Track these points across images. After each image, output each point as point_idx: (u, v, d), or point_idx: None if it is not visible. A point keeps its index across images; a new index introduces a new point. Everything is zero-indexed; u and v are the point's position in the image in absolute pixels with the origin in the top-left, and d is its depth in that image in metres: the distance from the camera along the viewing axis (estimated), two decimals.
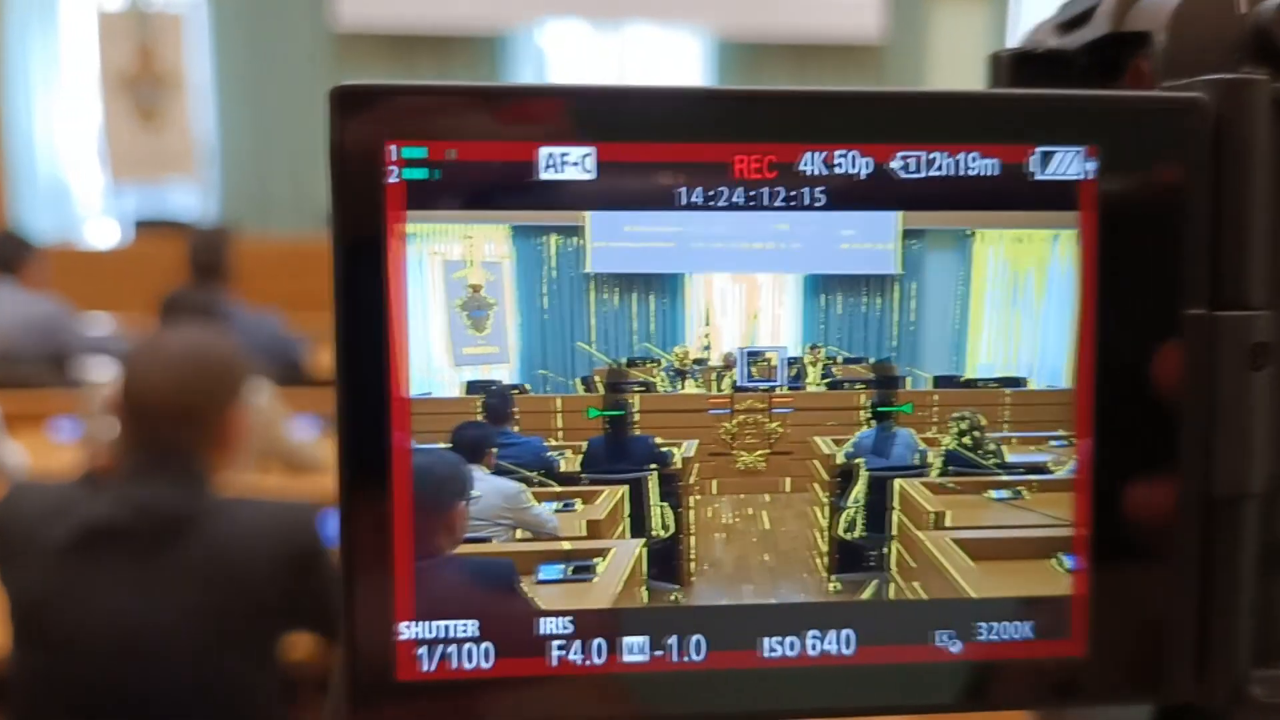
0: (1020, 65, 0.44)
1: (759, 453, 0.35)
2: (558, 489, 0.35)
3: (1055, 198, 0.35)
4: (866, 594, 0.35)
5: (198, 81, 7.58)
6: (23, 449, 2.58)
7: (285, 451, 2.51)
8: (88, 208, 8.09)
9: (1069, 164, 0.35)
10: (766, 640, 0.35)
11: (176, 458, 1.46)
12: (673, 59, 8.69)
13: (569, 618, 0.35)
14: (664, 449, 0.35)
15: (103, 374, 2.54)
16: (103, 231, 7.97)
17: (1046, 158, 0.35)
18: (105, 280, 5.60)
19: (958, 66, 8.69)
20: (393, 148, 0.33)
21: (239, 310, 3.41)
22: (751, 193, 0.34)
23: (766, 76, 8.57)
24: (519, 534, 0.35)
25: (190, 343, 1.52)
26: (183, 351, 1.48)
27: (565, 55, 8.63)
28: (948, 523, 0.35)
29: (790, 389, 0.35)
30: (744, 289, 0.35)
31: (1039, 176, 0.35)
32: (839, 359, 0.35)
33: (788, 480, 0.35)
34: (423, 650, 0.34)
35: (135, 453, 1.46)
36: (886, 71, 8.60)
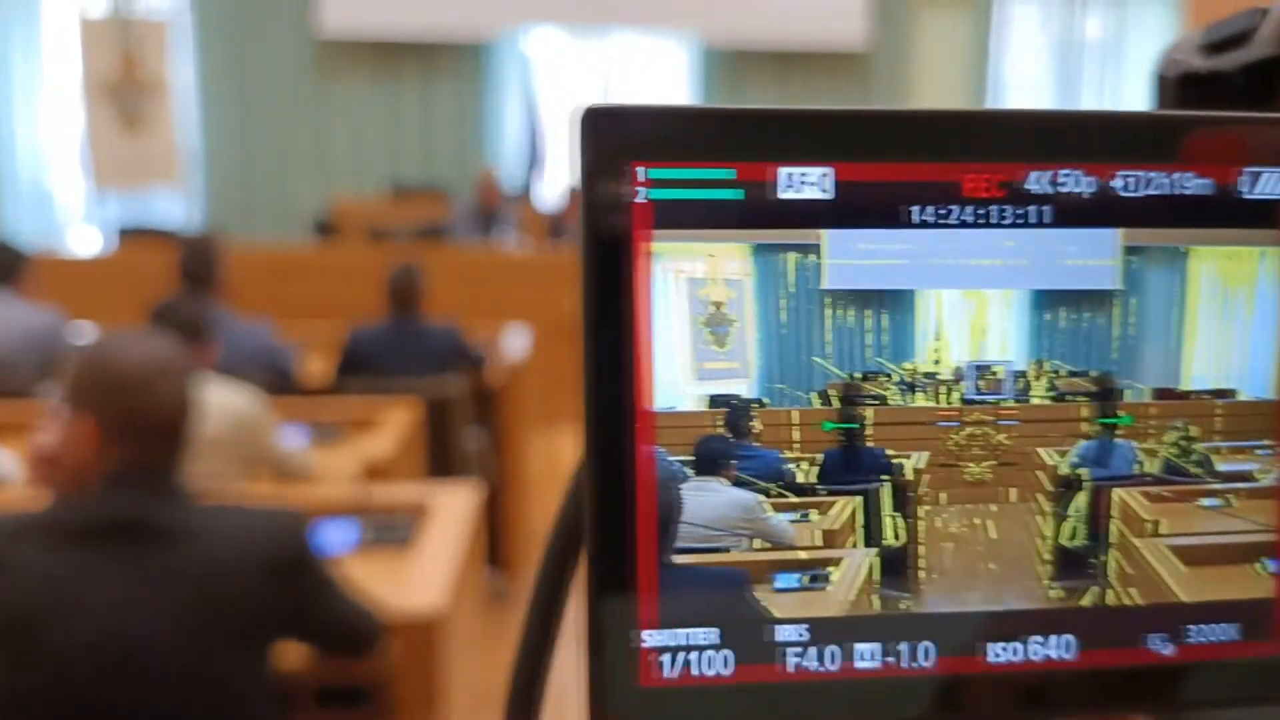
0: (1183, 86, 0.45)
1: (986, 464, 0.36)
2: (794, 500, 0.36)
3: (1262, 216, 0.36)
4: (1086, 600, 0.36)
5: (181, 88, 7.53)
6: (16, 457, 2.55)
7: (275, 460, 2.51)
8: (71, 215, 8.01)
9: (1275, 184, 0.36)
10: (992, 646, 0.36)
11: (156, 468, 1.44)
12: (658, 66, 8.71)
13: (804, 625, 0.35)
14: (895, 460, 0.36)
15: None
16: (86, 239, 7.89)
17: (1255, 178, 0.36)
18: (89, 288, 5.54)
19: (941, 74, 8.78)
20: (639, 169, 0.34)
21: (229, 318, 3.40)
22: (980, 211, 0.35)
23: (751, 84, 8.61)
24: (756, 544, 0.36)
25: (160, 355, 1.47)
26: (160, 365, 1.45)
27: (550, 63, 8.64)
28: (1162, 530, 0.36)
29: (1016, 402, 0.36)
30: (972, 304, 0.36)
31: (1248, 195, 0.36)
32: (1062, 372, 0.36)
33: (1013, 491, 0.36)
34: (665, 657, 0.35)
35: (115, 464, 1.43)
36: (871, 79, 8.67)
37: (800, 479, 0.36)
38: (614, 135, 0.34)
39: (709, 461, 0.35)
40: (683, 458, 0.35)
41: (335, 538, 2.15)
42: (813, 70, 8.65)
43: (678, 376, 0.35)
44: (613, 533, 0.35)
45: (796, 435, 0.36)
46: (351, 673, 1.72)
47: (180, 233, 6.28)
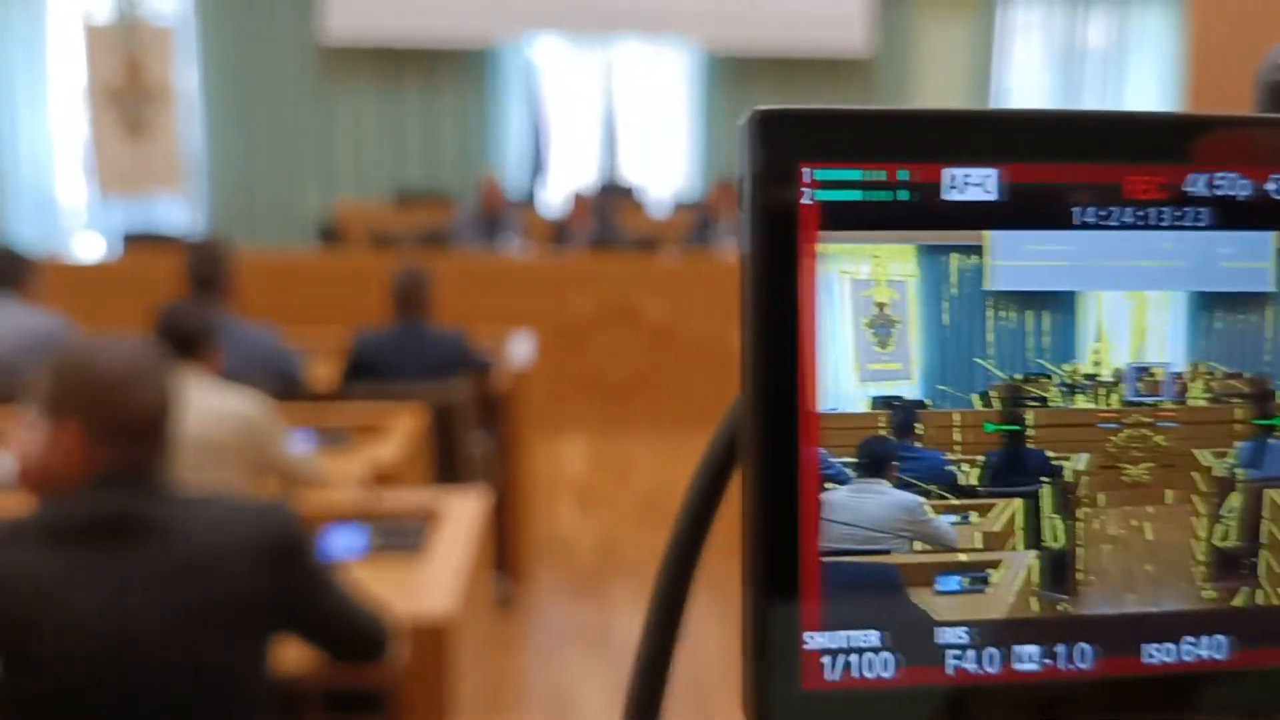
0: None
1: (1144, 466, 0.36)
2: (956, 502, 0.36)
3: None
4: (1239, 600, 0.37)
5: (185, 94, 7.53)
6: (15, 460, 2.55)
7: (283, 466, 2.47)
8: (74, 221, 8.00)
9: None
10: (1147, 647, 0.36)
11: (141, 467, 1.44)
12: (661, 72, 8.74)
13: (966, 627, 0.36)
14: (1056, 462, 0.36)
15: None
16: (89, 245, 7.88)
17: None
18: (93, 293, 5.53)
19: (943, 80, 8.82)
20: (807, 170, 0.35)
21: (236, 324, 3.38)
22: (1140, 212, 0.36)
23: (754, 89, 8.64)
24: (918, 546, 0.36)
25: (137, 356, 1.47)
26: (138, 366, 1.46)
27: (553, 69, 8.65)
28: None
29: (1174, 404, 0.37)
30: (1132, 306, 0.36)
31: None
32: (1218, 374, 0.37)
33: (1170, 492, 0.37)
34: (827, 659, 0.35)
35: (101, 466, 1.43)
36: (874, 85, 8.71)
37: (962, 481, 0.36)
38: (782, 137, 0.35)
39: (872, 463, 0.35)
40: (846, 459, 0.35)
41: (344, 544, 2.15)
42: (815, 76, 8.68)
43: (842, 378, 0.35)
44: (776, 535, 0.35)
45: (959, 437, 0.36)
46: (360, 678, 1.72)
47: (186, 237, 6.27)
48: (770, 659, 0.35)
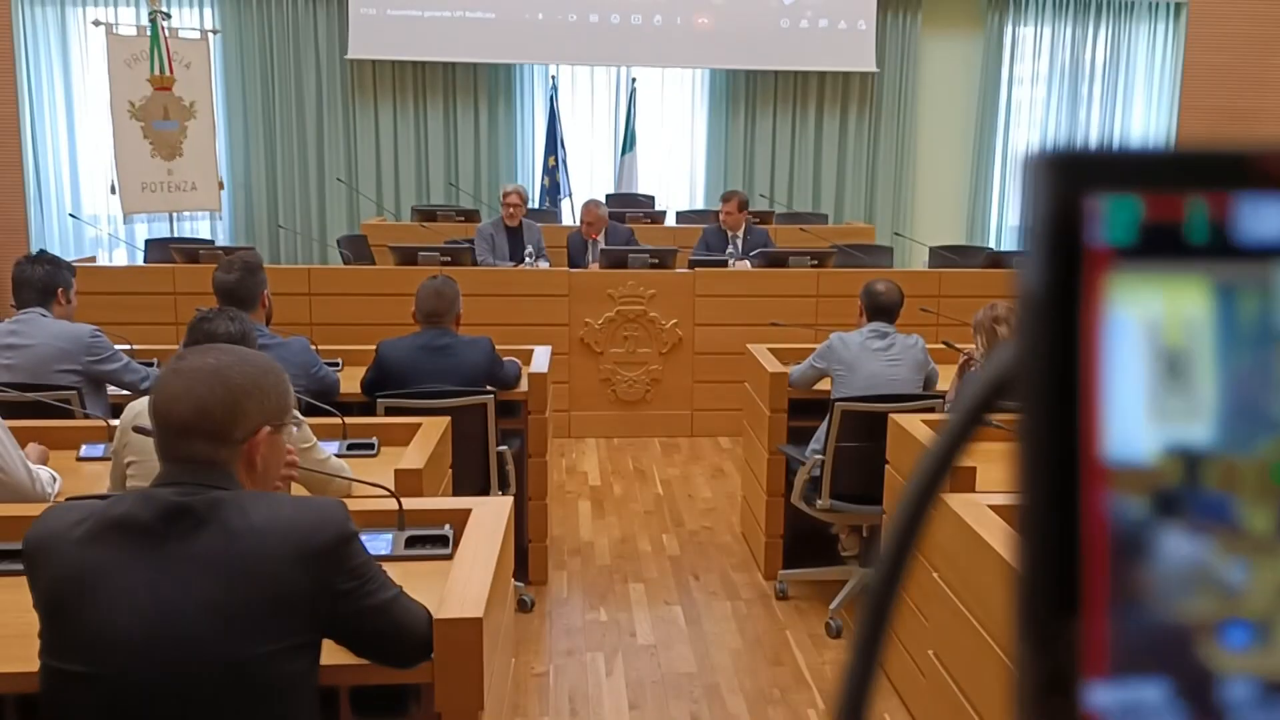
0: None
1: None
2: (1247, 549, 0.35)
3: None
4: None
5: (212, 110, 7.70)
6: (56, 473, 2.64)
7: (314, 478, 2.50)
8: (103, 234, 8.17)
9: None
10: None
11: (194, 465, 1.48)
12: (674, 86, 8.85)
13: (1255, 681, 0.34)
14: None
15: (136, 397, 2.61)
16: (118, 257, 8.04)
17: None
18: (121, 306, 5.67)
19: (949, 95, 8.91)
20: (1094, 207, 0.34)
21: (268, 334, 3.42)
22: None
23: (764, 102, 8.75)
24: (1207, 595, 0.35)
25: (218, 363, 1.53)
26: (205, 370, 1.50)
27: (571, 84, 8.78)
28: None
29: None
30: None
31: None
32: None
33: None
34: (1112, 711, 0.34)
35: (161, 460, 1.51)
36: (881, 99, 8.81)
37: (1253, 527, 0.35)
38: (1072, 174, 0.34)
39: (1160, 509, 0.34)
40: (1133, 506, 0.34)
41: (373, 549, 2.21)
42: (823, 91, 8.78)
43: (1129, 422, 0.34)
44: (1060, 583, 0.34)
45: (1252, 482, 0.35)
46: (389, 678, 1.71)
47: (213, 246, 6.41)
48: (1049, 710, 0.34)
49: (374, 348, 3.77)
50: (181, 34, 7.70)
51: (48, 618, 1.47)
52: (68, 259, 4.01)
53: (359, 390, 3.74)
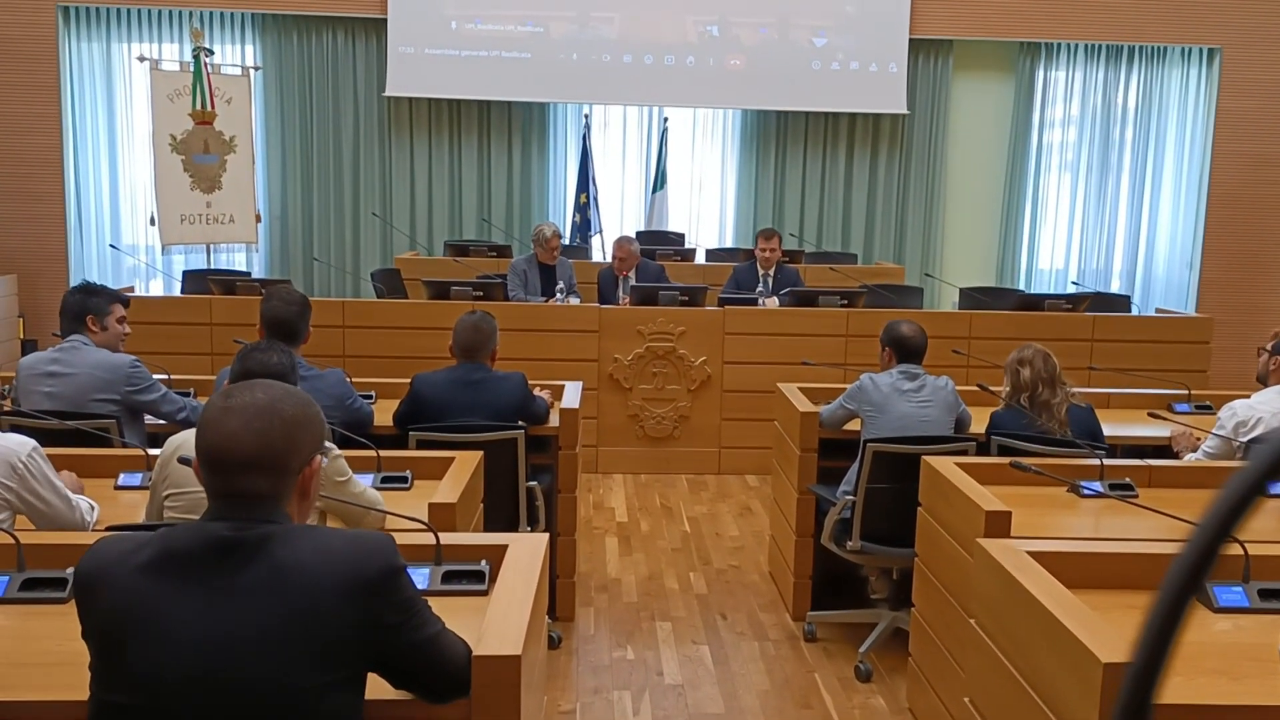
0: None
1: None
2: None
3: None
4: None
5: (251, 144, 7.83)
6: (94, 501, 2.66)
7: (351, 511, 2.52)
8: (141, 264, 8.30)
9: None
10: None
11: (249, 501, 1.49)
12: (706, 126, 8.92)
13: None
14: None
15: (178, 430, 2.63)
16: (154, 288, 8.15)
17: None
18: (158, 336, 5.75)
19: (980, 135, 8.93)
20: None
21: (305, 367, 3.45)
22: None
23: (796, 143, 8.79)
24: None
25: (269, 397, 1.54)
26: (260, 405, 1.51)
27: (604, 123, 8.87)
28: None
29: None
30: None
31: None
32: None
33: None
34: None
35: (212, 497, 1.51)
36: (913, 140, 8.83)
37: None
38: None
39: None
40: None
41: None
42: (853, 132, 8.82)
43: None
44: None
45: None
46: (426, 715, 1.67)
47: (253, 279, 6.48)
48: None
49: (407, 381, 3.81)
50: (224, 70, 7.85)
51: (100, 649, 1.47)
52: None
53: (391, 423, 3.77)
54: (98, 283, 4.03)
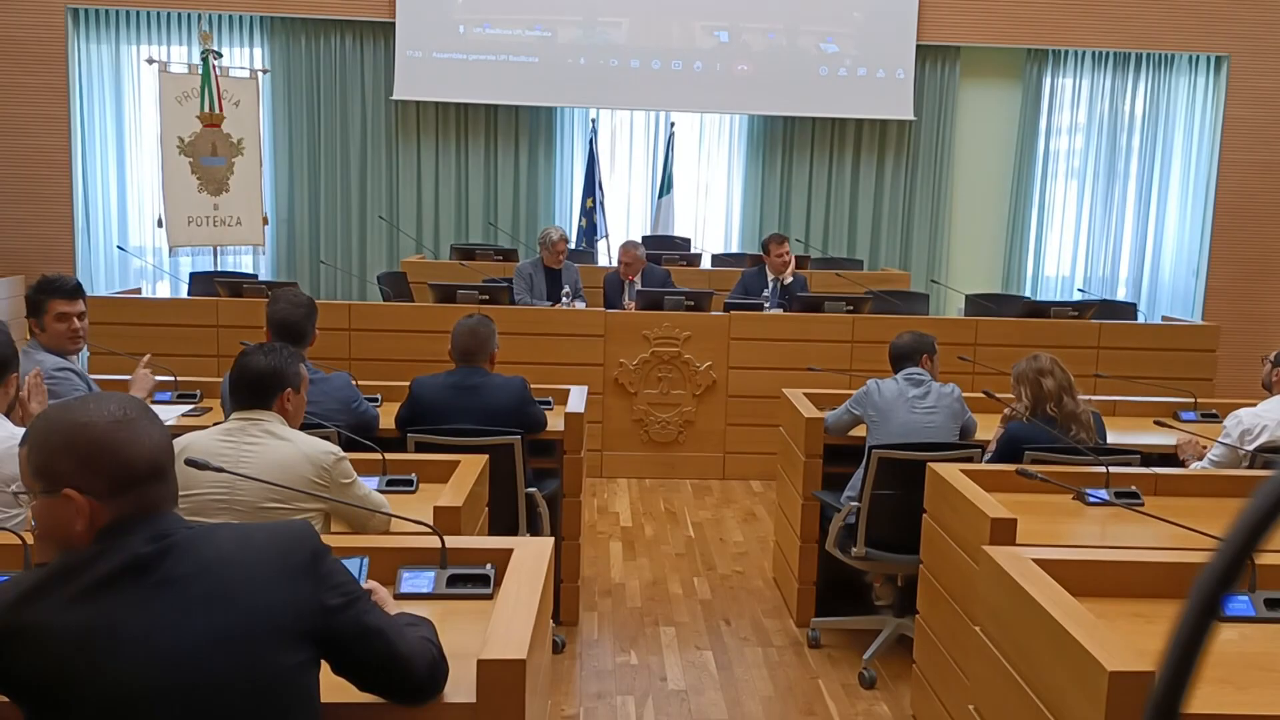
0: None
1: None
2: None
3: None
4: None
5: (259, 147, 7.85)
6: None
7: (356, 513, 2.52)
8: (148, 266, 8.32)
9: None
10: None
11: (151, 508, 1.43)
12: (712, 131, 8.93)
13: None
14: None
15: None
16: (161, 290, 8.17)
17: None
18: (164, 338, 5.77)
19: (986, 141, 8.93)
20: None
21: (310, 369, 3.43)
22: None
23: (802, 148, 8.80)
24: None
25: (116, 406, 1.44)
26: (122, 415, 1.43)
27: (610, 127, 8.88)
28: None
29: None
30: None
31: None
32: None
33: None
34: None
35: (113, 516, 1.41)
36: (919, 146, 8.83)
37: None
38: None
39: None
40: None
41: (414, 587, 2.19)
42: (860, 137, 8.82)
43: None
44: None
45: None
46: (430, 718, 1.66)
47: (260, 281, 6.49)
48: None
49: (402, 384, 3.78)
50: (232, 73, 7.88)
51: (35, 701, 1.37)
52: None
53: (390, 426, 3.76)
54: (56, 274, 3.64)
